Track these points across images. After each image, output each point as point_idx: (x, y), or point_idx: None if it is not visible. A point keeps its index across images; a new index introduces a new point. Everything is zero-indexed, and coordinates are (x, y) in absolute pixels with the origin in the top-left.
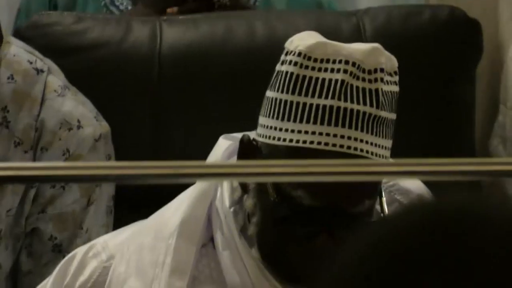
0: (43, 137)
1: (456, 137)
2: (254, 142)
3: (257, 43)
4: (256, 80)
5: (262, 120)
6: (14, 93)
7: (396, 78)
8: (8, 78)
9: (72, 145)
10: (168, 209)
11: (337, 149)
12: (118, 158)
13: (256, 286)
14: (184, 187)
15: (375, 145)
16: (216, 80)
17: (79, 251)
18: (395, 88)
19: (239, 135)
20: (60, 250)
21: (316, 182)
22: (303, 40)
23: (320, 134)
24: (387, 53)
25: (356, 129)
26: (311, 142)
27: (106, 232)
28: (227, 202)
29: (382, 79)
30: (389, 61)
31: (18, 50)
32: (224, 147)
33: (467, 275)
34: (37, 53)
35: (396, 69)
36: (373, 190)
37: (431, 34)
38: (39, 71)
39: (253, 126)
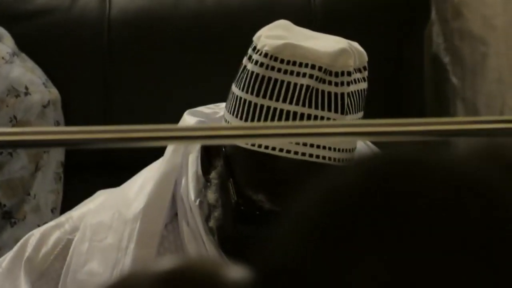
0: None
1: (406, 99)
2: None
3: (207, 8)
4: (206, 43)
5: (227, 116)
6: None
7: (365, 74)
8: None
9: (19, 111)
10: (132, 186)
11: (299, 157)
12: (70, 124)
13: None
14: (138, 151)
15: (339, 150)
16: (166, 44)
17: (41, 227)
18: (363, 85)
19: (204, 110)
20: (10, 217)
21: (277, 187)
22: (271, 38)
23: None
24: (356, 48)
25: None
26: (273, 149)
27: (56, 198)
28: (192, 194)
29: (348, 83)
30: (359, 57)
31: None
32: (191, 123)
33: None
34: None
35: (366, 64)
36: None
37: None
38: None
39: (204, 91)
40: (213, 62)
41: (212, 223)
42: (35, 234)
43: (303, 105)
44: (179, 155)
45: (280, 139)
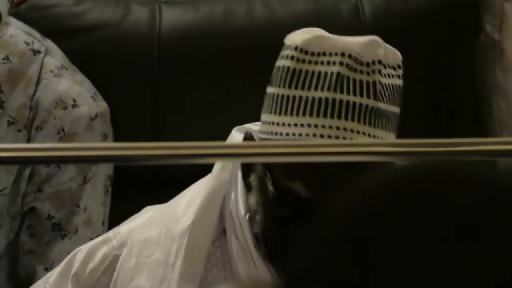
0: (38, 116)
1: (455, 117)
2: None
3: (257, 24)
4: (256, 61)
5: (263, 116)
6: (9, 73)
7: (400, 72)
8: (4, 58)
9: (67, 123)
10: (180, 202)
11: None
12: (119, 138)
13: None
14: (184, 168)
15: (374, 136)
16: (215, 61)
17: (88, 243)
18: (398, 82)
19: (252, 127)
20: (60, 229)
21: (312, 174)
22: (301, 35)
23: (316, 126)
24: (389, 46)
25: (353, 120)
26: (307, 135)
27: (105, 211)
28: (242, 209)
29: (380, 71)
30: (392, 55)
31: (16, 31)
32: (239, 141)
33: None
34: (36, 33)
35: (400, 63)
36: None
37: (429, 14)
38: (35, 52)
39: (253, 108)
40: (263, 78)
41: (256, 228)
42: (82, 249)
43: (335, 90)
44: (227, 172)
45: (326, 158)
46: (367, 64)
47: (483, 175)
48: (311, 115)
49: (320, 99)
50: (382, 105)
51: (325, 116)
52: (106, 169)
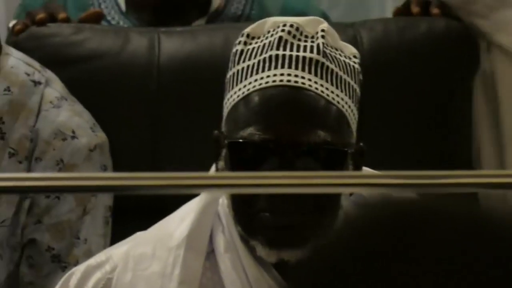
0: (38, 147)
1: (452, 150)
2: (220, 134)
3: None
4: None
5: (224, 104)
6: (10, 105)
7: (356, 60)
8: (5, 89)
9: (66, 155)
10: (171, 220)
11: (277, 83)
12: (118, 168)
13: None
14: (182, 197)
15: (321, 85)
16: (214, 91)
17: (82, 265)
18: (353, 64)
19: None
20: (60, 260)
21: (263, 116)
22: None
23: (262, 78)
24: (343, 42)
25: (297, 68)
26: (254, 86)
27: (105, 242)
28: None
29: (324, 37)
30: (345, 47)
31: (16, 61)
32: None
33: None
34: (36, 64)
35: (356, 54)
36: (325, 120)
37: (427, 47)
38: (36, 83)
39: None
40: None
41: (226, 204)
42: (76, 273)
43: (277, 49)
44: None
45: (322, 189)
46: (312, 37)
47: (470, 211)
48: (257, 73)
49: (264, 58)
50: (330, 65)
51: (269, 69)
52: (106, 201)
